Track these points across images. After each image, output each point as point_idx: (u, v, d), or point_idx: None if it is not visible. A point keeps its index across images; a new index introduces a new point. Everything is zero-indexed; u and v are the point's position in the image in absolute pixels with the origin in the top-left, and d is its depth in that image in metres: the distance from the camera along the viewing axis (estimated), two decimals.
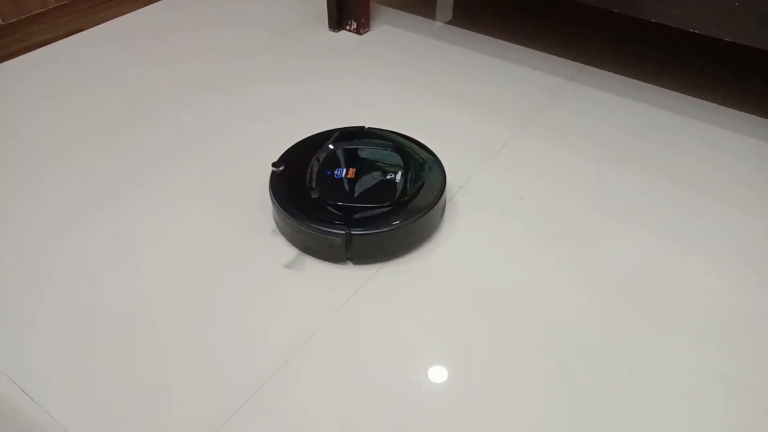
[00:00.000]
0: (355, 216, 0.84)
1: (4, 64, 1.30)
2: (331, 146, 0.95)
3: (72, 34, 1.40)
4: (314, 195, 0.86)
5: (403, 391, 0.71)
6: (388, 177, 0.89)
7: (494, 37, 1.42)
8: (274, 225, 0.92)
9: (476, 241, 0.91)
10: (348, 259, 0.86)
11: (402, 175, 0.90)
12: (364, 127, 1.00)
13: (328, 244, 0.83)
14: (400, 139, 0.98)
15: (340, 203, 0.85)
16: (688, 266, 0.87)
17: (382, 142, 0.96)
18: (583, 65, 1.32)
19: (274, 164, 0.90)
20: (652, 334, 0.78)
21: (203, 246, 0.89)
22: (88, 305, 0.80)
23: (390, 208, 0.85)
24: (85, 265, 0.86)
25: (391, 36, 1.42)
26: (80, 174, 1.01)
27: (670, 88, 1.25)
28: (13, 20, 1.28)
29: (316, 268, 0.86)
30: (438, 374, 0.73)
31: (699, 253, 0.89)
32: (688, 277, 0.85)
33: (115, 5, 1.46)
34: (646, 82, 1.27)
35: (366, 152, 0.95)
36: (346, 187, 0.88)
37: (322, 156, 0.93)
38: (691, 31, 1.03)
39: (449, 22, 1.48)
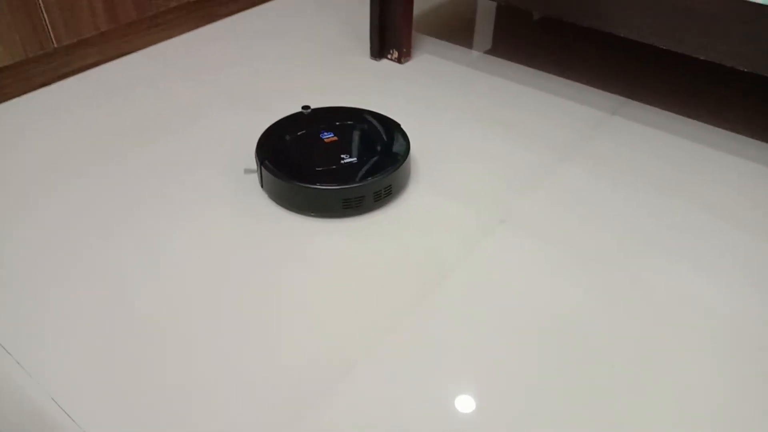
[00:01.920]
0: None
1: (55, 85, 1.34)
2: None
3: (121, 56, 1.43)
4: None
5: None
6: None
7: (534, 67, 1.42)
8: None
9: (517, 270, 0.90)
10: None
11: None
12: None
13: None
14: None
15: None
16: (728, 301, 0.86)
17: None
18: (625, 99, 1.32)
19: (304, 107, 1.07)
20: (684, 361, 0.77)
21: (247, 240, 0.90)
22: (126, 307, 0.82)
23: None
24: (113, 270, 0.87)
25: (432, 65, 1.43)
26: (118, 176, 1.04)
27: (711, 123, 1.24)
28: (66, 43, 1.32)
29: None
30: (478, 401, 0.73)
31: (743, 291, 0.88)
32: (726, 310, 0.84)
33: (163, 29, 1.49)
34: (689, 117, 1.26)
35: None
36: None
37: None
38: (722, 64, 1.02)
39: (489, 51, 1.49)
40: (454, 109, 1.27)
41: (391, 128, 1.10)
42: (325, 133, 1.07)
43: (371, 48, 1.45)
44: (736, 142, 1.19)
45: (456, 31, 1.59)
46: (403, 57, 1.44)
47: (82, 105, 1.27)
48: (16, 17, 1.22)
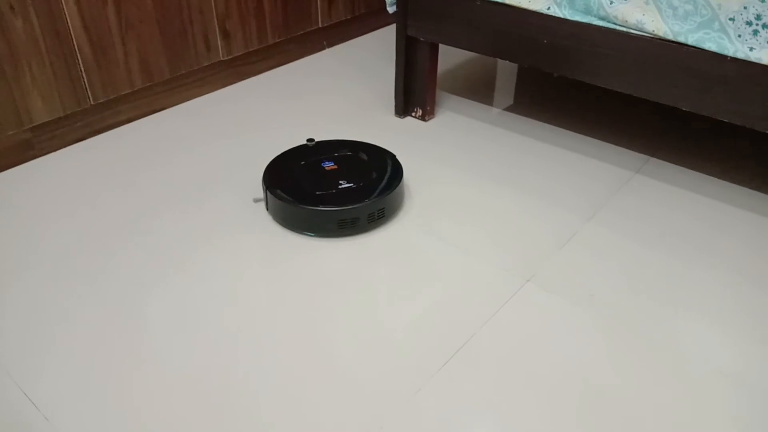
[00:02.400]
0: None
1: (91, 140, 1.38)
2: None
3: (153, 113, 1.48)
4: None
5: None
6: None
7: (556, 124, 1.44)
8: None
9: (544, 330, 0.90)
10: None
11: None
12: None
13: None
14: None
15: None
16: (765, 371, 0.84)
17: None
18: (648, 156, 1.32)
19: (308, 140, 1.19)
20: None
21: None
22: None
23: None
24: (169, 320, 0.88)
25: (455, 122, 1.46)
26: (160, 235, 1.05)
27: (739, 183, 1.24)
28: (102, 100, 1.37)
29: None
30: None
31: None
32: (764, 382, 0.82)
33: (195, 87, 1.54)
34: (715, 176, 1.26)
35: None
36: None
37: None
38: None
39: (511, 108, 1.52)
40: (477, 165, 1.29)
41: (386, 158, 1.20)
42: (326, 162, 1.18)
43: (396, 106, 1.48)
44: (763, 202, 1.19)
45: (478, 88, 1.63)
46: (426, 115, 1.47)
47: (115, 161, 1.31)
48: (57, 75, 1.28)
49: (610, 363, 0.85)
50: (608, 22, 1.11)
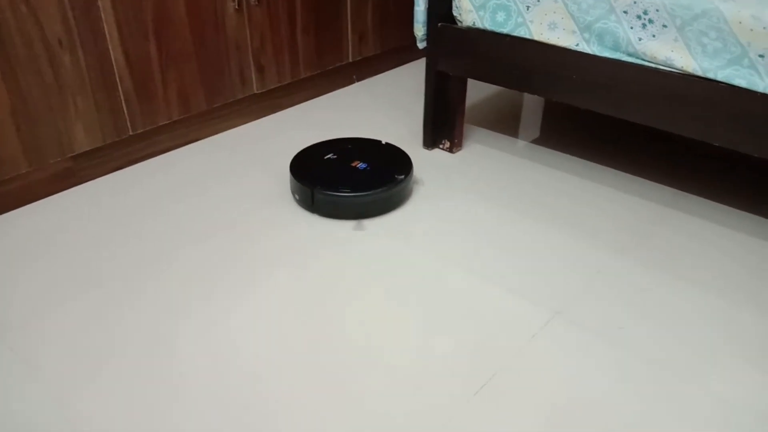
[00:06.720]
0: None
1: (129, 169, 1.42)
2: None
3: (190, 143, 1.53)
4: None
5: None
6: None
7: (582, 157, 1.45)
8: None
9: (570, 369, 0.89)
10: None
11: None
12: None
13: None
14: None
15: None
16: None
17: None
18: (677, 191, 1.32)
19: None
20: None
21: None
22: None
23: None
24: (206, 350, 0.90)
25: (482, 155, 1.47)
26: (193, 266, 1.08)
27: None
28: (141, 131, 1.42)
29: None
30: None
31: None
32: None
33: (230, 118, 1.59)
34: (747, 211, 1.26)
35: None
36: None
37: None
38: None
39: (537, 141, 1.53)
40: (503, 196, 1.30)
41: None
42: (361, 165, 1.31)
43: (424, 138, 1.51)
44: None
45: (505, 121, 1.65)
46: (454, 147, 1.49)
47: (152, 189, 1.35)
48: (99, 107, 1.33)
49: (637, 397, 0.85)
50: (637, 58, 1.13)
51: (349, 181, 1.24)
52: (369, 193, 1.21)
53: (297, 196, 1.27)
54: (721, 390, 0.86)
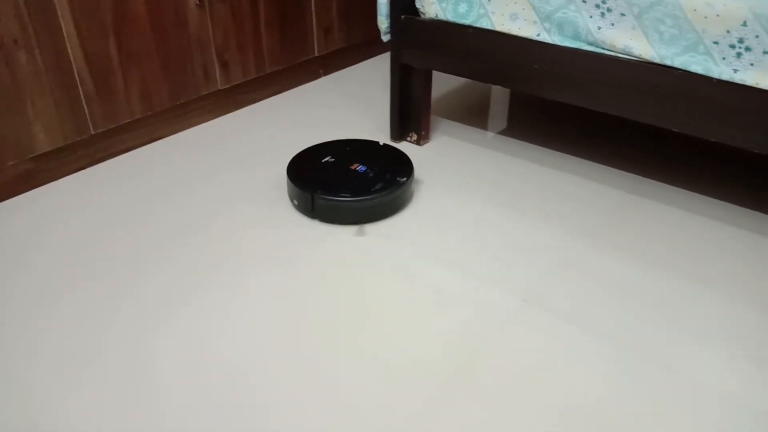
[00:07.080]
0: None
1: (91, 169, 1.40)
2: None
3: (153, 141, 1.51)
4: None
5: None
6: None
7: (549, 147, 1.47)
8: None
9: (538, 353, 0.91)
10: None
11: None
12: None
13: None
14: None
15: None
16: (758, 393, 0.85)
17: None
18: (640, 177, 1.35)
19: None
20: None
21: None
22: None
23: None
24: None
25: (449, 146, 1.48)
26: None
27: (730, 201, 1.26)
28: (102, 130, 1.39)
29: None
30: None
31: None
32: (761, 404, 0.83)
33: (194, 116, 1.57)
34: (707, 195, 1.28)
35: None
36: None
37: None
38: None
39: (504, 132, 1.55)
40: (471, 187, 1.31)
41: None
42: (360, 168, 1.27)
43: (391, 131, 1.51)
44: (755, 219, 1.21)
45: (472, 113, 1.66)
46: (421, 139, 1.49)
47: (115, 189, 1.32)
48: (58, 106, 1.30)
49: (605, 384, 0.86)
50: (597, 47, 1.14)
51: (349, 184, 1.20)
52: (370, 197, 1.18)
53: (296, 202, 1.23)
54: (687, 370, 0.88)
